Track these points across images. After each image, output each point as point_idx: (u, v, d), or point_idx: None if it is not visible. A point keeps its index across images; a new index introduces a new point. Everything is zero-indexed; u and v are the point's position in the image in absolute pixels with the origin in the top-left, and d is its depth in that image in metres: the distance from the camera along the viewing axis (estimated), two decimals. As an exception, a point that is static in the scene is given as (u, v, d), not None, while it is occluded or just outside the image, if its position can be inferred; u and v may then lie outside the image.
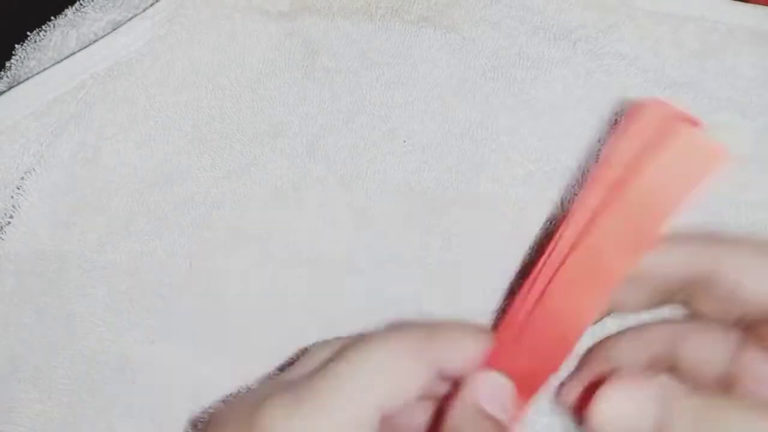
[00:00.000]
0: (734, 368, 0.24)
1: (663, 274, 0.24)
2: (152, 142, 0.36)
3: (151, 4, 0.38)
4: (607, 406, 0.21)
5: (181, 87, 0.37)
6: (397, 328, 0.26)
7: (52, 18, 0.38)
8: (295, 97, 0.37)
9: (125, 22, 0.38)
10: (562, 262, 0.24)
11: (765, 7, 0.37)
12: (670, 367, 0.25)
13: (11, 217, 0.35)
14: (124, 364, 0.34)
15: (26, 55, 0.38)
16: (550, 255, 0.24)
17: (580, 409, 0.27)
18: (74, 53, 0.37)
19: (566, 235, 0.24)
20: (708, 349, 0.25)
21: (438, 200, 0.35)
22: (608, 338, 0.28)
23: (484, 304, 0.34)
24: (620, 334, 0.28)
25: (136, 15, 0.38)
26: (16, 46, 0.38)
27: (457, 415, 0.24)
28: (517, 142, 0.36)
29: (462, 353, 0.25)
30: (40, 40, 0.38)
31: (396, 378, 0.24)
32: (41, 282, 0.34)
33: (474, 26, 0.37)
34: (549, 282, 0.24)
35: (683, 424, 0.20)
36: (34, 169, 0.36)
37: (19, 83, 0.36)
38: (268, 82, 0.37)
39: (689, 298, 0.25)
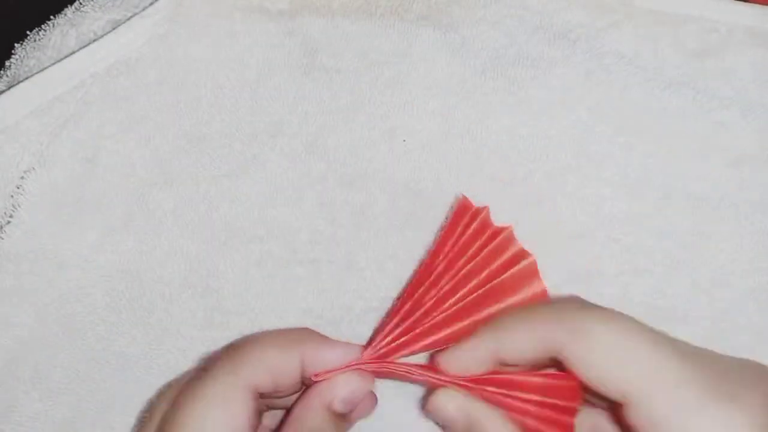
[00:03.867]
0: None
1: (520, 358, 0.27)
2: (151, 141, 0.36)
3: (151, 3, 0.38)
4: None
5: (181, 86, 0.37)
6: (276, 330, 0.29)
7: (52, 17, 0.38)
8: (295, 95, 0.37)
9: (125, 21, 0.38)
10: None
11: (764, 7, 0.37)
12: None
13: (11, 216, 0.35)
14: (123, 363, 0.34)
15: (26, 54, 0.38)
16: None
17: None
18: (74, 52, 0.37)
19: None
20: None
21: (437, 199, 0.35)
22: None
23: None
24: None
25: (135, 14, 0.38)
26: (16, 45, 0.38)
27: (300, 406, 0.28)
28: (517, 141, 0.36)
29: (325, 358, 0.28)
30: (39, 40, 0.38)
31: (263, 365, 0.27)
32: (41, 282, 0.34)
33: (473, 25, 0.37)
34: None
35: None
36: (33, 169, 0.36)
37: (18, 82, 0.36)
38: (267, 81, 0.37)
39: None
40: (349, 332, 0.34)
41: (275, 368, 0.27)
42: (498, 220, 0.35)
